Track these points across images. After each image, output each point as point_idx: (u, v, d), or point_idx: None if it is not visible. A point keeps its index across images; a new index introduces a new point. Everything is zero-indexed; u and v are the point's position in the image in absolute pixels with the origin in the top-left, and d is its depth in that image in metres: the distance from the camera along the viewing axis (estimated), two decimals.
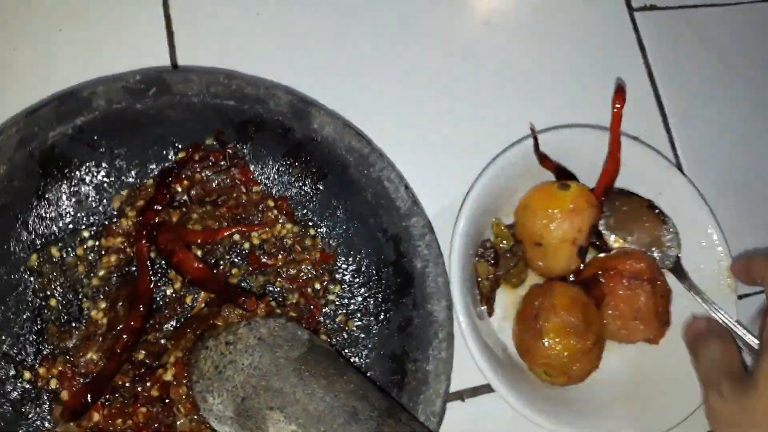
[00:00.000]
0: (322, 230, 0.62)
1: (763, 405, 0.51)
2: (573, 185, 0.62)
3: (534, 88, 0.73)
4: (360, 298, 0.61)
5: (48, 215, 0.56)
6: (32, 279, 0.55)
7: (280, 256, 0.60)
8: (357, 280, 0.61)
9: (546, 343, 0.58)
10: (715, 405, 0.55)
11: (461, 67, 0.72)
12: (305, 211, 0.62)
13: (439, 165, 0.68)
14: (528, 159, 0.64)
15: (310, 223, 0.62)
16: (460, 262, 0.60)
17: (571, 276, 0.65)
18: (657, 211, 0.66)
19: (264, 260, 0.60)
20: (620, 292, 0.62)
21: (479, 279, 0.63)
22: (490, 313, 0.64)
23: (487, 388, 0.66)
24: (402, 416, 0.49)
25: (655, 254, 0.65)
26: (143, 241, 0.55)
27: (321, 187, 0.62)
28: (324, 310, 0.60)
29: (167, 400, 0.53)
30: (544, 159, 0.64)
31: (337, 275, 0.61)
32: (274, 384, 0.47)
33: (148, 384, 0.52)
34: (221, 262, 0.59)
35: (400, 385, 0.57)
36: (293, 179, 0.62)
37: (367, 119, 0.63)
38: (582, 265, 0.65)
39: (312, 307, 0.59)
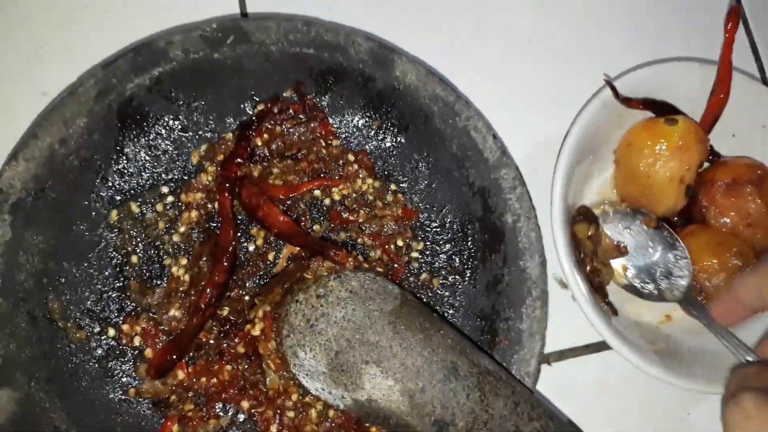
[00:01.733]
0: (403, 185, 0.59)
1: None
2: (681, 120, 0.58)
3: (620, 28, 0.68)
4: (444, 256, 0.58)
5: (127, 170, 0.55)
6: (113, 235, 0.54)
7: (361, 212, 0.57)
8: (441, 236, 0.58)
9: None
10: (735, 417, 0.47)
11: (548, 4, 0.67)
12: (386, 165, 0.59)
13: (525, 113, 0.64)
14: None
15: (391, 178, 0.59)
16: (563, 218, 0.56)
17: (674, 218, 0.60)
18: (666, 233, 0.60)
19: (345, 216, 0.57)
20: (722, 202, 0.57)
21: (580, 238, 0.58)
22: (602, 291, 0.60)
23: (572, 352, 0.63)
24: (502, 374, 0.46)
25: (663, 285, 0.60)
26: (225, 195, 0.53)
27: (402, 140, 0.59)
28: (407, 267, 0.57)
29: (253, 357, 0.51)
30: (628, 102, 0.59)
31: (419, 231, 0.58)
32: (370, 337, 0.44)
33: (235, 340, 0.51)
34: (302, 218, 0.57)
35: (490, 345, 0.54)
36: (373, 132, 0.59)
37: (450, 67, 0.60)
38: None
39: (395, 264, 0.57)
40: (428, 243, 0.58)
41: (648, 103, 0.60)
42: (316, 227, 0.57)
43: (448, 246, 0.58)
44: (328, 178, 0.57)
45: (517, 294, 0.54)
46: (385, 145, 0.59)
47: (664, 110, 0.61)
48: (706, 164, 0.61)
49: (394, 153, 0.59)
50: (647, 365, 0.55)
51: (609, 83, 0.59)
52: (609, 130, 0.61)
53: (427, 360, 0.44)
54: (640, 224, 0.59)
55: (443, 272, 0.58)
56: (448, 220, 0.58)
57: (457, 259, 0.58)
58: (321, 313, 0.46)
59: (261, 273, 0.55)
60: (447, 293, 0.57)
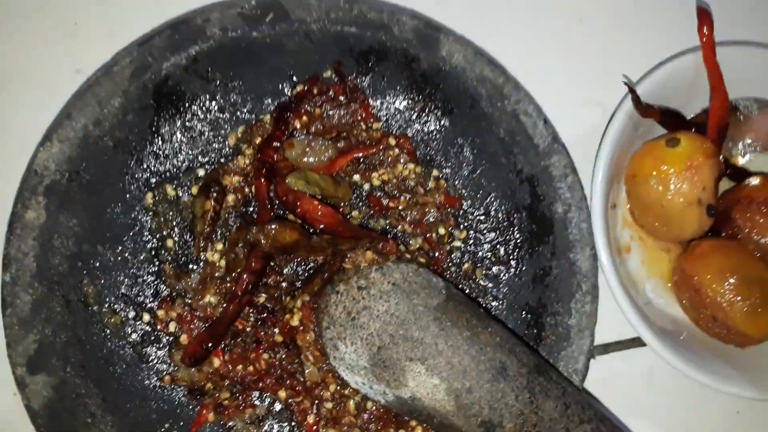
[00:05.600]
0: (446, 171, 0.56)
1: None
2: (683, 138, 0.53)
3: (677, 7, 0.64)
4: (488, 245, 0.56)
5: (162, 152, 0.53)
6: (148, 219, 0.53)
7: (402, 199, 0.55)
8: (485, 225, 0.56)
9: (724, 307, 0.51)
10: None
11: None
12: (428, 149, 0.57)
13: (571, 97, 0.61)
14: (668, 85, 0.56)
15: (434, 163, 0.56)
16: (603, 207, 0.53)
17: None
18: None
19: (385, 202, 0.55)
20: (761, 221, 0.53)
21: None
22: None
23: (617, 346, 0.61)
24: (552, 374, 0.44)
25: None
26: (262, 181, 0.51)
27: (446, 124, 0.56)
28: (449, 256, 0.55)
29: (291, 346, 0.50)
30: (647, 111, 0.55)
31: (462, 220, 0.56)
32: (414, 333, 0.42)
33: (274, 329, 0.49)
34: (338, 206, 0.55)
35: (536, 340, 0.52)
36: (416, 115, 0.56)
37: (499, 48, 0.57)
38: None
39: (436, 253, 0.54)
40: (471, 232, 0.56)
41: (664, 115, 0.55)
42: (354, 213, 0.55)
43: (492, 235, 0.56)
44: (362, 149, 0.55)
45: (566, 288, 0.52)
46: (428, 128, 0.56)
47: (676, 124, 0.56)
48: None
49: (437, 137, 0.56)
50: (689, 369, 0.52)
51: (630, 89, 0.54)
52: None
53: (475, 359, 0.42)
54: None
55: (487, 262, 0.55)
56: (493, 208, 0.56)
57: (501, 249, 0.55)
58: (363, 306, 0.45)
59: (298, 259, 0.53)
60: (490, 284, 0.55)
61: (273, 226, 0.48)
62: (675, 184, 0.53)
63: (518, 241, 0.55)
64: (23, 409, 0.51)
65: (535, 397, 0.42)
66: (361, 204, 0.55)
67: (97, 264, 0.51)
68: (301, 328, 0.48)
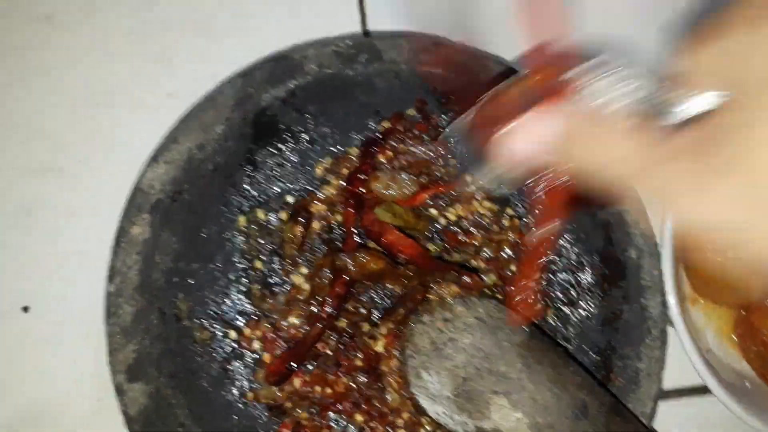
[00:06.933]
0: (520, 210, 0.59)
1: None
2: None
3: None
4: (560, 286, 0.58)
5: (255, 178, 0.57)
6: (239, 241, 0.56)
7: (477, 235, 0.57)
8: (557, 266, 0.58)
9: None
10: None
11: None
12: (503, 188, 0.59)
13: None
14: None
15: (509, 202, 0.59)
16: (672, 254, 0.55)
17: None
18: None
19: (461, 238, 0.57)
20: None
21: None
22: None
23: (676, 393, 0.62)
24: (625, 413, 0.45)
25: None
26: (350, 210, 0.54)
27: None
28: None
29: (369, 372, 0.52)
30: None
31: None
32: (500, 368, 0.44)
33: (356, 353, 0.51)
34: (417, 238, 0.57)
35: (605, 382, 0.53)
36: None
37: None
38: None
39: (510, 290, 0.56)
40: (543, 272, 0.58)
41: None
42: (430, 246, 0.57)
43: (563, 276, 0.58)
44: (443, 185, 0.57)
45: (637, 332, 0.53)
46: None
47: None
48: None
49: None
50: (754, 420, 0.53)
51: None
52: None
53: (557, 396, 0.44)
54: None
55: (558, 303, 0.57)
56: (566, 249, 0.58)
57: (573, 291, 0.57)
58: (448, 338, 0.47)
59: (377, 288, 0.55)
60: (560, 324, 0.57)
61: (363, 254, 0.50)
62: (733, 252, 0.54)
63: (590, 283, 0.57)
64: (105, 417, 0.54)
65: None
66: (436, 238, 0.58)
67: (191, 281, 0.54)
68: (386, 354, 0.50)
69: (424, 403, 0.47)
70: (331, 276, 0.54)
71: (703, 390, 0.61)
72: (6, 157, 0.59)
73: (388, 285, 0.54)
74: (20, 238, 0.58)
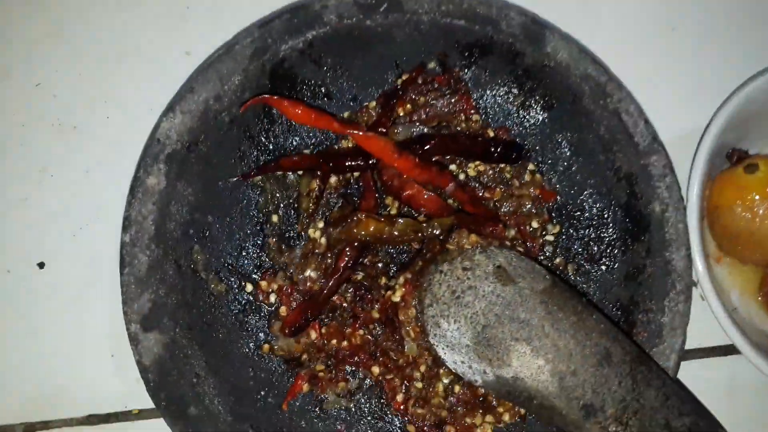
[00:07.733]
0: (542, 165, 0.58)
1: None
2: (761, 162, 0.54)
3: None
4: (581, 241, 0.57)
5: (272, 131, 0.56)
6: (256, 194, 0.55)
7: (497, 190, 0.56)
8: (578, 221, 0.57)
9: None
10: None
11: None
12: (525, 143, 0.58)
13: (663, 103, 0.61)
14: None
15: (530, 157, 0.58)
16: (699, 209, 0.54)
17: None
18: None
19: (480, 193, 0.56)
20: None
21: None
22: None
23: (700, 353, 0.60)
24: (652, 365, 0.44)
25: None
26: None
27: (545, 119, 0.57)
28: (541, 250, 0.56)
29: (387, 324, 0.51)
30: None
31: (556, 214, 0.57)
32: (521, 314, 0.43)
33: (374, 305, 0.51)
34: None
35: (627, 336, 0.52)
36: (515, 109, 0.58)
37: (603, 47, 0.57)
38: None
39: (530, 245, 0.55)
40: (565, 227, 0.57)
41: None
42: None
43: (585, 231, 0.57)
44: None
45: (660, 286, 0.52)
46: (526, 122, 0.58)
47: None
48: None
49: (536, 132, 0.58)
50: None
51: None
52: (752, 128, 0.57)
53: (580, 343, 0.43)
54: None
55: (579, 258, 0.56)
56: (588, 204, 0.57)
57: (594, 246, 0.56)
58: (468, 286, 0.46)
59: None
60: (581, 279, 0.56)
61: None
62: (764, 208, 0.53)
63: (612, 238, 0.55)
64: (118, 370, 0.54)
65: (638, 384, 0.43)
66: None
67: (207, 233, 0.54)
68: (403, 304, 0.49)
69: (442, 352, 0.47)
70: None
71: (726, 350, 0.60)
72: (21, 116, 0.58)
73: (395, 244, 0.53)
74: (36, 195, 0.58)
